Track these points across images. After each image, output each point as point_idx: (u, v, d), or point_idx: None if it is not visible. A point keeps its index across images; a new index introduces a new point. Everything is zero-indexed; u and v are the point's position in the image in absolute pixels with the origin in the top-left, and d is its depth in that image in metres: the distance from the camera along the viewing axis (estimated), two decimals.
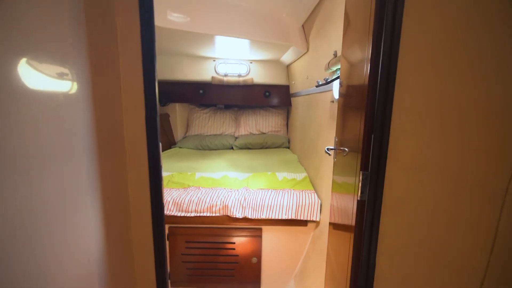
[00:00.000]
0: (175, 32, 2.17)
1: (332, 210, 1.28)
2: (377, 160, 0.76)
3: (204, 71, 3.32)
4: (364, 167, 0.77)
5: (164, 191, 1.93)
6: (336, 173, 1.24)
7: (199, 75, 3.33)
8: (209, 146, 3.44)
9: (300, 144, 2.87)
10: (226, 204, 1.77)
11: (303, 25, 2.43)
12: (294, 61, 3.00)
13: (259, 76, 3.42)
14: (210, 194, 1.87)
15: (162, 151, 3.24)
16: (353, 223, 0.84)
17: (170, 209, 1.79)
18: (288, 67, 3.40)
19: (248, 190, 1.94)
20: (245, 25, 2.29)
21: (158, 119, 0.94)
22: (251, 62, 3.36)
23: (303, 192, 1.92)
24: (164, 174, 2.29)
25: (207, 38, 2.38)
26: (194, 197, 1.83)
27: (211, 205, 1.78)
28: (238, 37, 2.28)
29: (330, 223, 1.33)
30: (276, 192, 1.91)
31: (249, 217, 1.75)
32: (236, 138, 3.66)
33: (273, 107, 3.87)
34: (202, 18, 2.14)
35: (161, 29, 2.08)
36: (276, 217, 1.76)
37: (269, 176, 2.24)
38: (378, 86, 0.73)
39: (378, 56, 0.72)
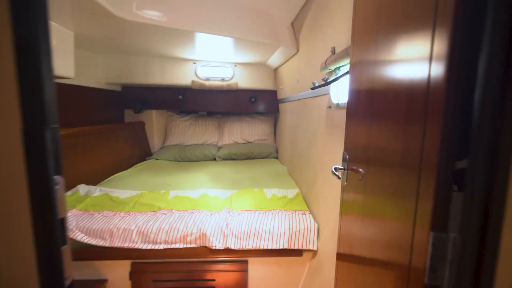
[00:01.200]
0: (148, 28, 1.86)
1: (342, 237, 0.99)
2: (479, 204, 0.42)
3: (184, 74, 3.00)
4: (438, 221, 0.43)
5: (128, 217, 1.59)
6: (347, 195, 0.96)
7: (178, 79, 3.01)
8: (189, 157, 3.10)
9: (290, 155, 2.59)
10: (204, 232, 1.44)
11: (292, 24, 2.18)
12: (282, 64, 2.75)
13: (244, 80, 3.14)
14: (184, 220, 1.54)
15: (136, 163, 2.87)
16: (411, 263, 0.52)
17: (133, 240, 1.44)
18: (275, 70, 3.14)
19: (231, 213, 1.62)
20: (229, 22, 2.01)
21: (54, 135, 0.53)
22: (235, 65, 3.08)
23: (296, 213, 1.62)
24: (132, 193, 1.93)
25: (185, 36, 2.08)
26: (165, 223, 1.49)
27: (185, 234, 1.45)
28: (220, 35, 1.99)
29: (339, 254, 1.04)
30: (264, 215, 1.60)
31: (232, 247, 1.43)
32: (220, 148, 3.34)
33: (260, 113, 3.59)
34: (179, 12, 1.85)
35: (130, 24, 1.77)
36: (265, 247, 1.44)
37: (256, 194, 1.93)
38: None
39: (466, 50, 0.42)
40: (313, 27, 1.75)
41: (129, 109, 3.27)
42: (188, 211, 1.63)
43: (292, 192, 1.96)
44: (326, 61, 1.38)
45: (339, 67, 1.31)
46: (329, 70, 1.40)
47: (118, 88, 3.17)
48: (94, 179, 2.24)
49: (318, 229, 1.50)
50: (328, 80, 1.28)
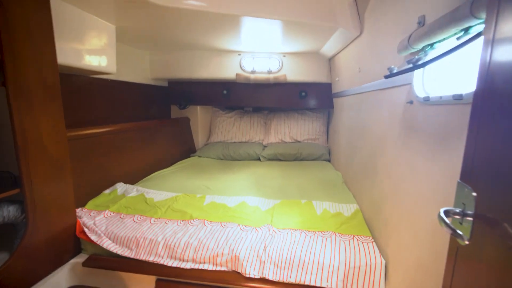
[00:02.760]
0: (189, 16, 1.67)
1: None
2: None
3: (228, 67, 2.79)
4: None
5: (157, 224, 1.43)
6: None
7: (222, 73, 2.82)
8: (232, 156, 2.91)
9: (346, 160, 2.17)
10: (237, 254, 1.19)
11: None
12: (340, 51, 2.32)
13: (293, 72, 2.80)
14: (216, 235, 1.31)
15: (180, 160, 2.79)
16: None
17: (159, 254, 1.26)
18: (330, 60, 2.72)
19: (271, 231, 1.34)
20: (277, 2, 1.70)
21: None
22: (284, 56, 2.76)
23: (355, 240, 1.25)
24: (168, 195, 1.79)
25: (229, 23, 1.84)
26: (194, 238, 1.29)
27: (216, 253, 1.22)
28: (267, 17, 1.70)
29: None
30: (312, 238, 1.28)
31: (270, 278, 1.15)
32: (265, 146, 3.07)
33: (311, 110, 3.21)
34: None
35: (170, 13, 1.60)
36: (312, 283, 1.12)
37: (304, 207, 1.61)
38: None
39: None
40: None
41: (175, 105, 3.23)
42: (222, 225, 1.40)
43: (349, 208, 1.58)
44: (410, 37, 0.97)
45: (432, 44, 0.90)
46: (413, 50, 0.99)
47: (165, 84, 3.14)
48: (137, 176, 2.19)
49: (386, 267, 1.12)
50: (422, 62, 0.88)
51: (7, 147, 1.24)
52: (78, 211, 1.54)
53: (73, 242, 1.37)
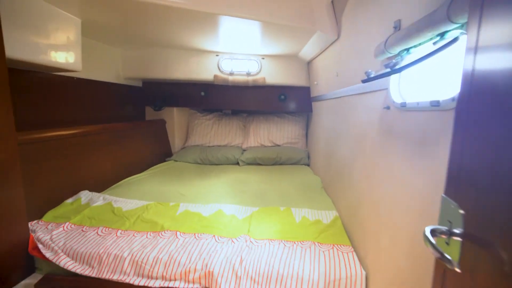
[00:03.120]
0: (162, 11, 1.57)
1: None
2: None
3: (206, 68, 2.70)
4: None
5: (124, 237, 1.31)
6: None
7: (200, 73, 2.72)
8: (210, 160, 2.81)
9: (325, 164, 2.16)
10: (211, 269, 1.11)
11: (332, 1, 1.75)
12: (318, 55, 2.31)
13: (272, 75, 2.76)
14: (188, 249, 1.21)
15: (154, 164, 2.65)
16: None
17: (125, 272, 1.15)
18: (309, 63, 2.71)
19: (248, 242, 1.26)
20: (256, 2, 1.64)
21: None
22: (262, 58, 2.71)
23: (335, 249, 1.21)
24: (138, 203, 1.67)
25: (207, 21, 1.76)
26: (164, 252, 1.18)
27: (188, 269, 1.12)
28: (245, 18, 1.64)
29: None
30: (291, 249, 1.22)
31: None
32: (244, 150, 3.00)
33: (290, 113, 3.19)
34: None
35: (143, 7, 1.49)
36: None
37: (282, 214, 1.55)
38: None
39: None
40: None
41: (149, 106, 3.07)
42: (196, 236, 1.31)
43: (328, 214, 1.55)
44: (386, 42, 0.95)
45: (408, 49, 0.87)
46: (390, 55, 0.97)
47: (139, 84, 2.98)
48: (106, 184, 2.03)
49: (366, 278, 1.09)
50: (399, 66, 0.85)
51: None
52: (33, 224, 1.37)
53: (25, 260, 1.22)
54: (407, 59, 0.88)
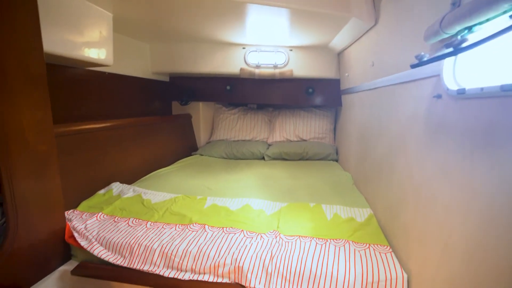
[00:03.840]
0: (191, 3, 1.55)
1: None
2: None
3: (232, 61, 2.67)
4: None
5: (154, 229, 1.31)
6: None
7: (226, 67, 2.69)
8: (235, 155, 2.79)
9: (357, 161, 2.04)
10: (240, 264, 1.07)
11: None
12: (350, 45, 2.19)
13: (300, 67, 2.66)
14: (217, 242, 1.19)
15: (180, 158, 2.68)
16: None
17: (155, 263, 1.15)
18: (339, 55, 2.58)
19: (278, 238, 1.21)
20: None
21: None
22: (290, 50, 2.62)
23: (371, 249, 1.13)
24: (166, 196, 1.68)
25: (234, 11, 1.71)
26: (193, 245, 1.17)
27: (217, 263, 1.10)
28: (276, 5, 1.56)
29: None
30: (324, 246, 1.15)
31: None
32: (269, 145, 2.95)
33: (317, 107, 3.08)
34: None
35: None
36: None
37: (313, 211, 1.48)
38: None
39: None
40: None
41: (176, 101, 3.11)
42: (224, 230, 1.28)
43: (362, 212, 1.45)
44: (442, 21, 0.84)
45: (471, 27, 0.76)
46: (446, 36, 0.86)
47: (166, 79, 3.02)
48: (135, 176, 2.08)
49: (408, 282, 0.99)
50: (465, 45, 0.74)
51: None
52: (69, 213, 1.43)
53: (62, 247, 1.26)
54: (471, 38, 0.77)
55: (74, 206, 1.52)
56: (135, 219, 1.39)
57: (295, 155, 2.68)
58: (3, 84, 0.97)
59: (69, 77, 1.76)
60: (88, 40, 1.59)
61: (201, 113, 3.20)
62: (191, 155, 2.88)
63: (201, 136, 3.24)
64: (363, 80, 1.96)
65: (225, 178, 2.09)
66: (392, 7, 1.42)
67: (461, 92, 0.81)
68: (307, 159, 2.68)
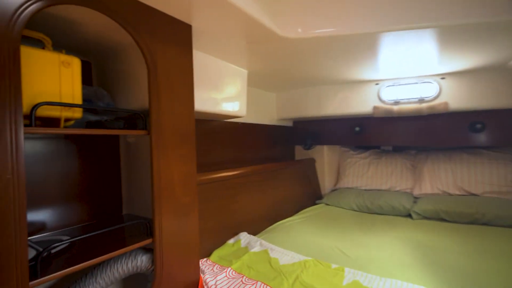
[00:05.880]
0: (319, 43, 1.46)
1: None
2: None
3: (363, 100, 2.36)
4: None
5: None
6: None
7: (355, 107, 2.41)
8: (369, 208, 2.32)
9: None
10: None
11: None
12: None
13: (460, 98, 2.04)
14: None
15: (304, 205, 2.47)
16: None
17: None
18: None
19: None
20: (428, 2, 1.21)
21: None
22: (442, 78, 2.07)
23: None
24: (295, 257, 1.46)
25: (364, 45, 1.50)
26: None
27: None
28: (418, 27, 1.24)
29: None
30: None
31: None
32: (416, 198, 2.30)
33: (490, 148, 2.23)
34: (353, 17, 1.31)
35: (299, 46, 1.45)
36: None
37: None
38: None
39: None
40: None
41: (299, 145, 3.03)
42: None
43: None
44: None
45: None
46: None
47: (290, 124, 3.03)
48: (260, 224, 2.01)
49: None
50: None
51: (139, 192, 1.29)
52: (202, 262, 1.43)
53: None
54: None
55: (206, 253, 1.53)
56: (263, 284, 1.22)
57: (463, 216, 1.93)
58: (162, 142, 1.09)
59: (210, 129, 1.96)
60: (227, 96, 1.74)
61: (325, 157, 2.96)
62: (316, 204, 2.62)
63: (326, 182, 2.95)
64: None
65: (362, 241, 1.68)
66: None
67: None
68: (483, 224, 1.87)
